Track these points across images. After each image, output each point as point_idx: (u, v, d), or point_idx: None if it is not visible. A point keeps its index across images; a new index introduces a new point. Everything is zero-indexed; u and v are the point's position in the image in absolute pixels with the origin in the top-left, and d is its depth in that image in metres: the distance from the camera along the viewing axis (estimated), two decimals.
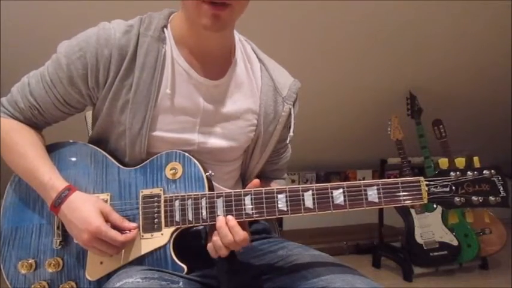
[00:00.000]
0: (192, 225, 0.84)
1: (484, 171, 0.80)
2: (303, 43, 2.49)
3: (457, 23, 2.57)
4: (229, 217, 0.81)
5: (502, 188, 0.80)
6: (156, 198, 0.86)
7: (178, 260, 0.83)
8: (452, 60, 2.85)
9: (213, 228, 0.83)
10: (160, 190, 0.86)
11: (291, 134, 1.00)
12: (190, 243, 0.89)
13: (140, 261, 0.84)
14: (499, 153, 3.52)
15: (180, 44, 0.91)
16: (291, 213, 0.81)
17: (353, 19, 2.40)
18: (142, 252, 0.84)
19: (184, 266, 0.83)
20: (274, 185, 1.08)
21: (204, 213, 0.83)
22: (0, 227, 0.90)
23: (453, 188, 0.81)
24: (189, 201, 0.84)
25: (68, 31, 0.95)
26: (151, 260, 0.83)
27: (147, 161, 0.89)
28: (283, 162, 1.11)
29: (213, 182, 0.91)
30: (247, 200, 0.82)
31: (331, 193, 0.81)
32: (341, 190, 0.81)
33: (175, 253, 0.83)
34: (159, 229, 0.84)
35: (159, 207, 0.85)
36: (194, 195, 0.84)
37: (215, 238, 0.81)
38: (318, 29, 2.42)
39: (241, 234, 0.80)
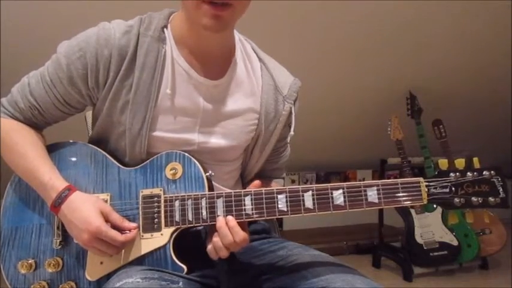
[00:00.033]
0: (192, 225, 0.84)
1: (484, 172, 0.81)
2: (303, 43, 2.49)
3: (457, 23, 2.57)
4: (229, 217, 0.81)
5: (501, 189, 0.80)
6: (156, 199, 0.86)
7: (178, 260, 0.83)
8: (452, 60, 2.85)
9: (212, 229, 0.83)
10: (160, 190, 0.86)
11: (292, 133, 1.01)
12: (190, 243, 0.89)
13: (140, 261, 0.84)
14: (499, 153, 3.52)
15: (180, 44, 0.90)
16: (291, 214, 0.81)
17: (353, 19, 2.40)
18: (142, 252, 0.84)
19: (184, 266, 0.83)
20: (273, 185, 1.08)
21: (204, 213, 0.83)
22: (0, 226, 0.90)
23: (453, 188, 0.81)
24: (189, 202, 0.84)
25: (68, 31, 0.95)
26: (151, 260, 0.83)
27: (147, 161, 0.89)
28: (283, 161, 1.11)
29: (213, 182, 0.91)
30: (247, 201, 0.82)
31: (331, 194, 0.81)
32: (341, 191, 0.81)
33: (175, 253, 0.83)
34: (159, 229, 0.84)
35: (159, 207, 0.85)
36: (194, 195, 0.85)
37: (215, 239, 0.81)
38: (318, 29, 2.42)
39: (241, 234, 0.80)
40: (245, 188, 0.85)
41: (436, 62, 2.84)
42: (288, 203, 0.82)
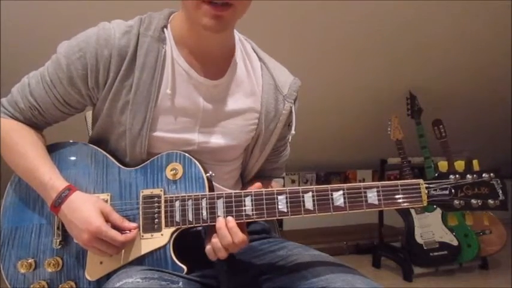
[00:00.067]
0: (192, 225, 0.84)
1: (484, 175, 0.81)
2: (303, 43, 2.49)
3: (457, 23, 2.57)
4: (229, 218, 0.81)
5: (501, 192, 0.80)
6: (156, 199, 0.86)
7: (178, 260, 0.83)
8: (452, 60, 2.85)
9: (211, 230, 0.84)
10: (161, 190, 0.86)
11: (293, 132, 1.01)
12: (190, 243, 0.89)
13: (140, 261, 0.84)
14: (499, 153, 3.52)
15: (180, 44, 0.90)
16: (291, 215, 0.81)
17: (353, 19, 2.40)
18: (142, 253, 0.84)
19: (184, 267, 0.83)
20: (273, 184, 1.08)
21: (205, 213, 0.83)
22: (0, 226, 0.90)
23: (453, 191, 0.81)
24: (190, 202, 0.84)
25: (68, 31, 0.94)
26: (151, 260, 0.84)
27: (148, 161, 0.89)
28: (283, 161, 1.11)
29: (214, 182, 0.91)
30: (248, 201, 0.82)
31: (331, 195, 0.81)
32: (341, 192, 0.81)
33: (175, 253, 0.84)
34: (159, 229, 0.84)
35: (159, 207, 0.85)
36: (194, 195, 0.85)
37: (214, 240, 0.81)
38: (317, 29, 2.42)
39: (240, 236, 0.80)
40: (245, 188, 0.85)
41: (436, 62, 2.84)
42: (288, 204, 0.82)
